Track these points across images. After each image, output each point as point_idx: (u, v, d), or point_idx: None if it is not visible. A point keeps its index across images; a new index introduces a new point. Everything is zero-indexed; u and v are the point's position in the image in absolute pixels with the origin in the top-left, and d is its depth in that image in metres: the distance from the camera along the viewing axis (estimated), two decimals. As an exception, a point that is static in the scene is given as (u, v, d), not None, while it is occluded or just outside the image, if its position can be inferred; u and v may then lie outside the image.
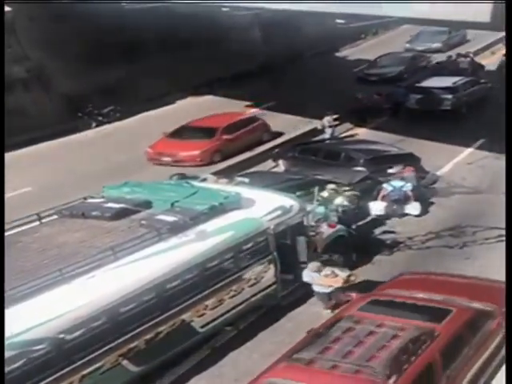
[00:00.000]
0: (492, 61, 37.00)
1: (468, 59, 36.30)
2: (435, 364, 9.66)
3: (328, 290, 13.51)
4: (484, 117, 25.52)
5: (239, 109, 30.72)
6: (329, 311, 13.32)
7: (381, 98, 29.47)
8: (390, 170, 19.63)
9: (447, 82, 29.57)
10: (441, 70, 34.45)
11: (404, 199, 18.51)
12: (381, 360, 9.43)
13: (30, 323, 10.01)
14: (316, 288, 13.64)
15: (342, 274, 13.56)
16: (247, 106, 31.37)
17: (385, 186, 18.83)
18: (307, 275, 13.69)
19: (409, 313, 10.77)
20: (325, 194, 17.26)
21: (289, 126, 27.73)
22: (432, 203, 19.23)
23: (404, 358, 9.49)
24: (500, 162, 21.41)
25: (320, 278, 13.47)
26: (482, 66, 36.17)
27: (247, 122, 25.93)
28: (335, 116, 26.36)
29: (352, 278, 13.66)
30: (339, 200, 17.23)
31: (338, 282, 13.38)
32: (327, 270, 13.56)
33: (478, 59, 38.05)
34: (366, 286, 13.64)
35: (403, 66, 35.81)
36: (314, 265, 13.69)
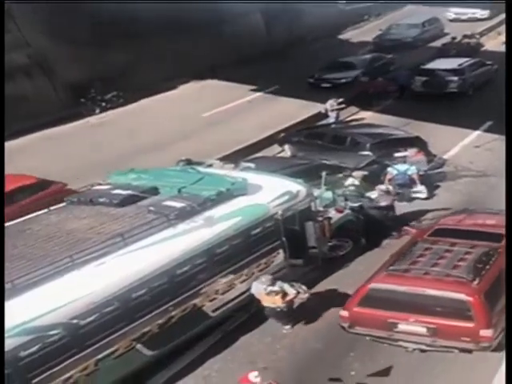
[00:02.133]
0: (498, 42, 37.03)
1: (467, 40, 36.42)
2: (503, 272, 11.63)
3: (273, 306, 12.83)
4: (491, 99, 25.58)
5: (243, 92, 30.89)
6: (289, 326, 12.97)
7: (386, 81, 29.57)
8: (397, 154, 19.73)
9: (453, 63, 29.62)
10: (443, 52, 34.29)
11: (410, 183, 18.70)
12: (463, 267, 12.09)
13: (43, 309, 10.25)
14: (264, 302, 12.94)
15: (291, 290, 12.77)
16: (251, 89, 31.51)
17: (389, 170, 19.00)
18: (255, 287, 12.92)
19: (472, 236, 13.32)
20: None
21: (292, 109, 27.89)
22: (440, 187, 19.42)
23: (481, 266, 12.11)
24: (508, 144, 21.63)
25: (263, 294, 12.76)
26: (477, 48, 36.20)
27: (29, 190, 18.33)
28: (340, 100, 26.46)
29: (302, 296, 12.93)
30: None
31: (276, 302, 12.67)
32: (275, 286, 12.71)
33: (483, 40, 38.23)
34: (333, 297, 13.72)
35: (360, 70, 32.02)
36: (265, 278, 12.89)
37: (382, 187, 17.58)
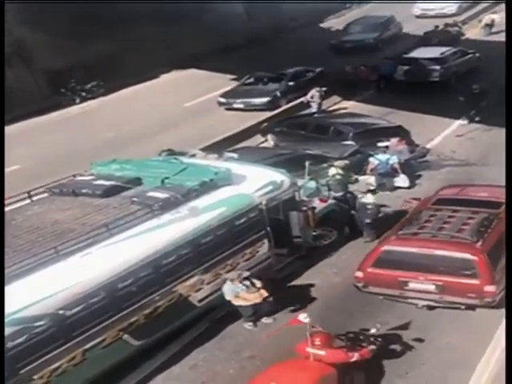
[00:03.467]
0: (480, 29, 37.38)
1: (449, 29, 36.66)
2: (503, 235, 12.66)
3: (250, 303, 12.79)
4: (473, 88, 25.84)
5: (224, 82, 30.96)
6: (250, 324, 12.99)
7: (368, 70, 29.61)
8: (380, 144, 19.93)
9: (435, 52, 29.73)
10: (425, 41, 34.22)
11: (392, 172, 18.92)
12: (467, 230, 13.24)
13: (29, 300, 10.37)
14: (237, 302, 12.80)
15: (258, 283, 12.84)
16: (232, 79, 31.59)
17: (371, 159, 19.18)
18: (229, 291, 12.75)
19: (472, 204, 14.36)
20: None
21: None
22: (422, 176, 19.67)
23: (483, 230, 13.21)
24: (489, 133, 21.98)
25: (244, 293, 12.70)
26: (459, 37, 36.46)
27: None
28: (322, 89, 26.54)
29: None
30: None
31: (263, 295, 12.72)
32: (247, 283, 12.76)
33: (465, 28, 38.56)
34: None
35: (278, 89, 27.98)
36: (233, 276, 12.82)
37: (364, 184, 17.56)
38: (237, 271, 13.07)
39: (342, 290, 13.67)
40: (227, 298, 12.79)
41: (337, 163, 17.91)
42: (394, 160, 19.01)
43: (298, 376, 10.19)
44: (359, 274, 13.37)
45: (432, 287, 12.78)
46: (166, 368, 12.01)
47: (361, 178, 18.89)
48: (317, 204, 15.72)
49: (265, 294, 12.74)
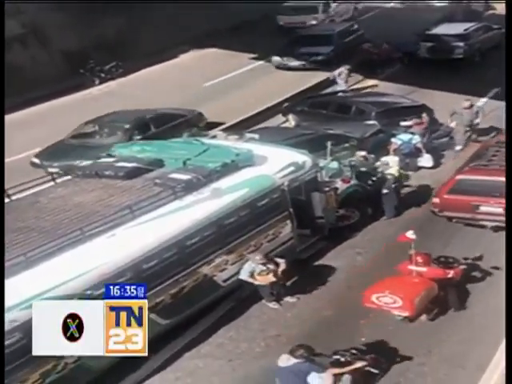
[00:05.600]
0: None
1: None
2: None
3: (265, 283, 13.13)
4: (498, 65, 25.84)
5: (244, 61, 31.09)
6: (275, 303, 13.35)
7: (390, 48, 29.70)
8: (403, 123, 20.03)
9: (459, 28, 29.70)
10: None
11: (415, 152, 19.07)
12: None
13: (56, 281, 10.73)
14: (254, 282, 13.13)
15: (282, 264, 13.11)
16: (252, 58, 31.69)
17: (393, 140, 19.21)
18: (244, 269, 13.09)
19: None
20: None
21: (295, 78, 28.25)
22: (446, 155, 19.81)
23: None
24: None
25: (256, 274, 13.01)
26: (478, 12, 36.10)
27: None
28: (347, 67, 26.58)
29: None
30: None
31: (270, 279, 12.99)
32: (267, 264, 13.04)
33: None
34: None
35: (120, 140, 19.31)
36: (254, 257, 13.13)
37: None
38: (257, 253, 13.32)
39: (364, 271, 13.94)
40: (240, 276, 13.07)
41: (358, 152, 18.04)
42: (416, 139, 19.10)
43: (408, 287, 12.06)
44: (436, 200, 15.70)
45: (500, 210, 14.40)
46: (194, 346, 12.36)
47: (383, 158, 19.01)
48: (339, 184, 15.99)
49: (271, 279, 12.97)
